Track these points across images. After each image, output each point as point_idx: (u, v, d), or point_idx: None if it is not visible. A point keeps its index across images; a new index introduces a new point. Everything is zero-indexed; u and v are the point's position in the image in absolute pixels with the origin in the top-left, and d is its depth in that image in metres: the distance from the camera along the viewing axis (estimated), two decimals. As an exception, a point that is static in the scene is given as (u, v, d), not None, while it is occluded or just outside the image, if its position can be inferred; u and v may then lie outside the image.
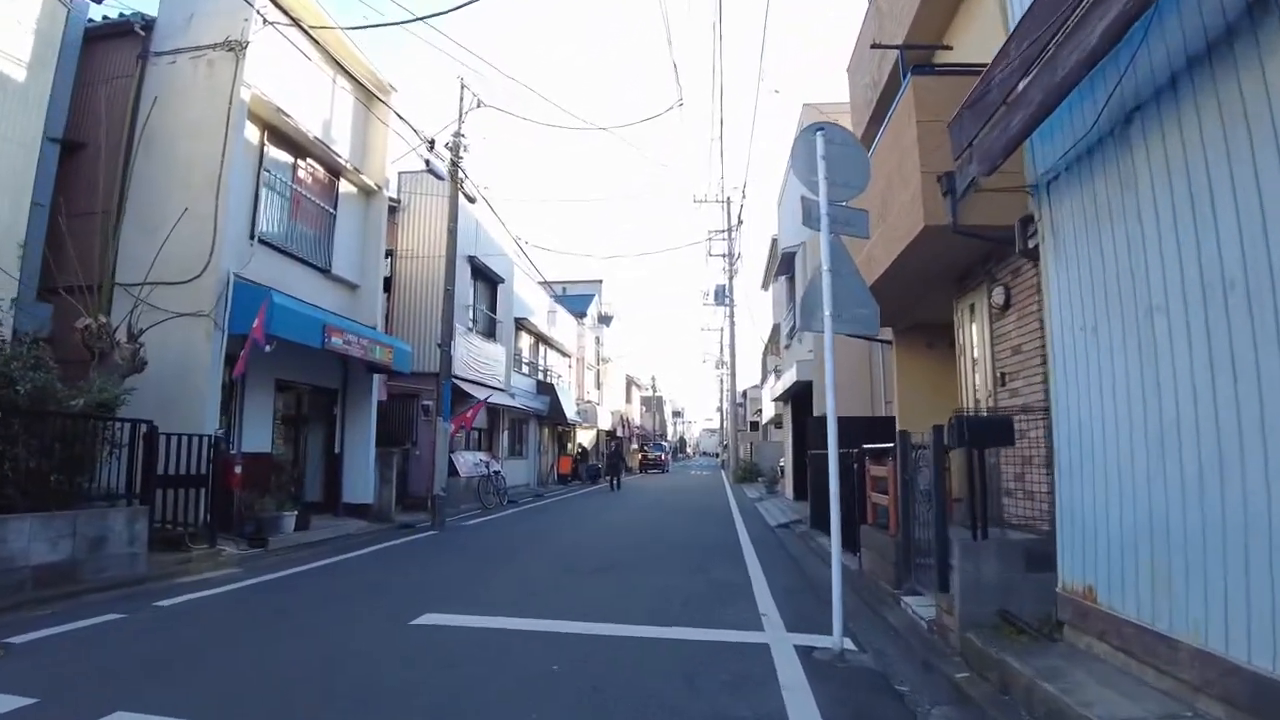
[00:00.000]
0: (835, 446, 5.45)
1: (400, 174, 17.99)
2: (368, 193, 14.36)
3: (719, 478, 39.40)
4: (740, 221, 21.00)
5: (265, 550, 9.80)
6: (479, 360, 18.79)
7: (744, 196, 16.92)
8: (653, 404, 64.30)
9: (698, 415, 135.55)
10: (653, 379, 62.44)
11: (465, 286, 18.40)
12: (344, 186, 13.64)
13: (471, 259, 18.66)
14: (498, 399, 19.64)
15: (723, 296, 35.74)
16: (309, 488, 13.47)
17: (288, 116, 11.46)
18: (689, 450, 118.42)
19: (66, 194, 10.86)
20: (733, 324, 35.54)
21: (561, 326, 30.44)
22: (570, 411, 28.04)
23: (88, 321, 8.49)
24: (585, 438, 35.79)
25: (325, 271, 13.03)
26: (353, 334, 11.75)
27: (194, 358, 9.77)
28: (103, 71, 11.25)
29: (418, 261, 17.33)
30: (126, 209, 10.62)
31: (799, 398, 18.13)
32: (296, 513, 10.78)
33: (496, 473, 19.16)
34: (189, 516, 9.21)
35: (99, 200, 10.60)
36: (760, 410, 40.04)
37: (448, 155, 14.62)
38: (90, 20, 11.29)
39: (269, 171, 11.62)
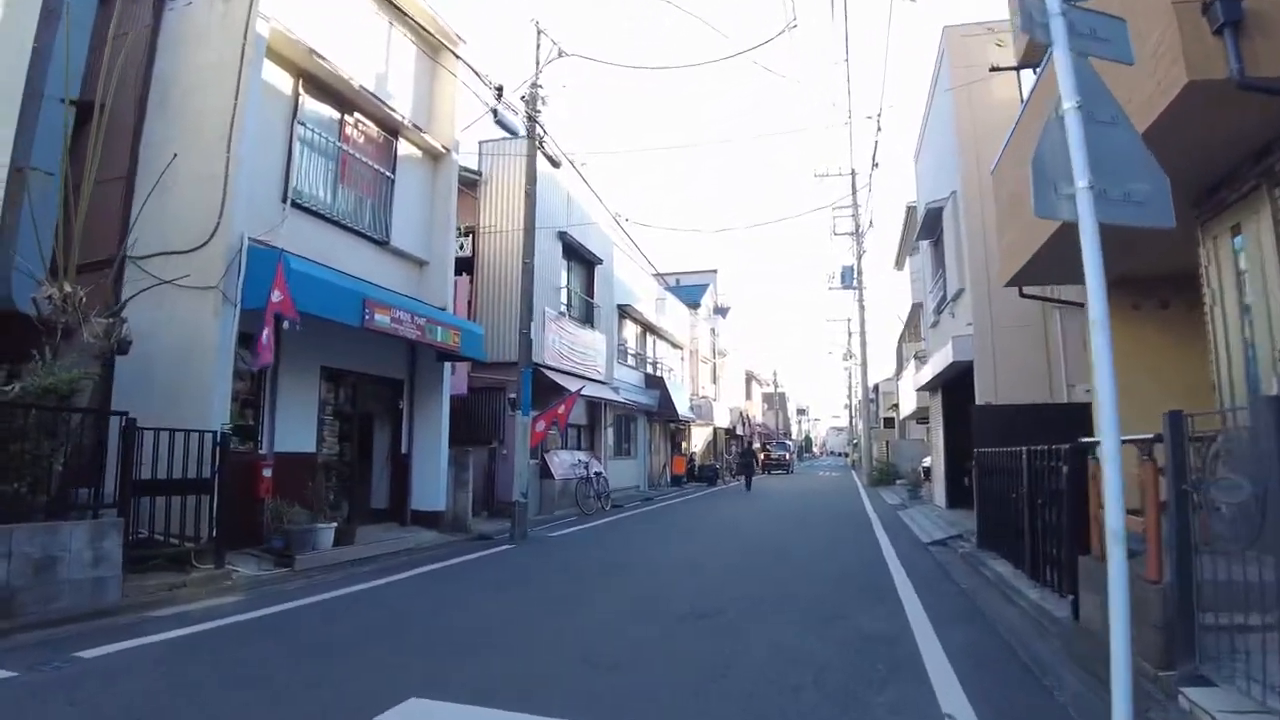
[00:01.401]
0: (1114, 426, 2.83)
1: (481, 143, 16.24)
2: (434, 156, 12.53)
3: (850, 480, 35.99)
4: (875, 165, 17.83)
5: (291, 570, 8.01)
6: (573, 348, 16.76)
7: (879, 129, 14.15)
8: (775, 401, 60.90)
9: (823, 412, 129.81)
10: (774, 374, 59.06)
11: (556, 266, 16.42)
12: (404, 148, 11.83)
13: (563, 235, 16.66)
14: (598, 392, 17.56)
15: (850, 278, 32.40)
16: (375, 493, 11.77)
17: (324, 60, 9.69)
18: (815, 450, 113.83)
19: (84, 161, 9.58)
20: (862, 308, 32.10)
21: (671, 315, 28.15)
22: (683, 407, 25.70)
23: (49, 291, 6.85)
24: (700, 436, 33.35)
25: (382, 244, 11.26)
26: (404, 311, 9.84)
27: (200, 339, 8.06)
28: (121, 26, 9.88)
29: (502, 238, 15.47)
30: (138, 173, 9.15)
31: (954, 384, 15.02)
32: (336, 524, 8.93)
33: (598, 474, 17.06)
34: (194, 530, 7.49)
35: (115, 166, 9.20)
36: (896, 405, 36.31)
37: (522, 109, 12.60)
38: (107, -34, 9.99)
39: (305, 126, 9.91)
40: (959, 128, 13.30)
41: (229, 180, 8.34)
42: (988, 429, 10.18)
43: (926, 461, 25.57)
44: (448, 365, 12.11)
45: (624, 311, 22.41)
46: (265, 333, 7.73)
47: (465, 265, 15.62)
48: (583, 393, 16.02)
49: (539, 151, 13.07)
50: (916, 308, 25.24)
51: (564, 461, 16.50)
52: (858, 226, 31.32)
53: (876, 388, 46.83)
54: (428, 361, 12.07)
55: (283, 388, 9.51)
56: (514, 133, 12.16)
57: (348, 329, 9.51)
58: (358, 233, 10.80)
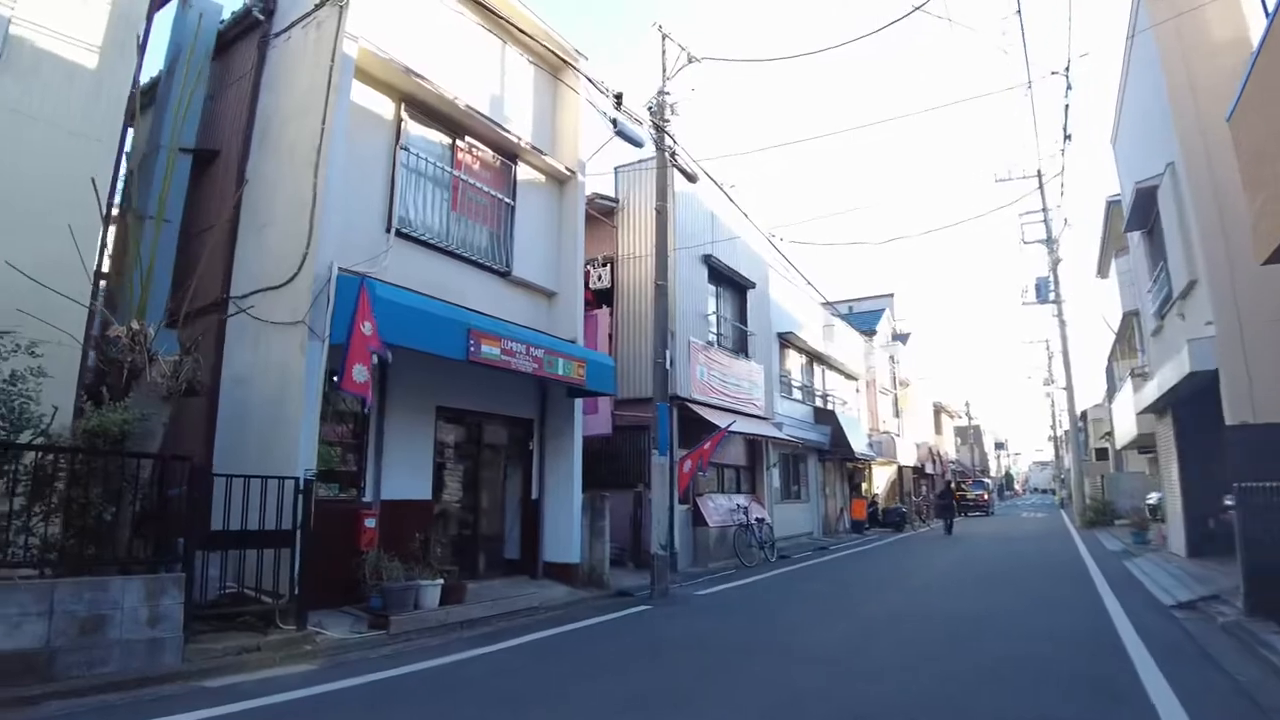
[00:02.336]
0: None
1: (617, 168, 15.38)
2: (559, 180, 11.70)
3: (1059, 521, 31.37)
4: (1068, 137, 15.03)
5: (385, 634, 7.10)
6: (725, 381, 15.28)
7: (1068, 86, 11.68)
8: (968, 434, 55.46)
9: (1024, 445, 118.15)
10: (966, 405, 53.84)
11: (701, 292, 15.12)
12: (524, 173, 11.09)
13: (708, 258, 15.36)
14: (756, 429, 15.92)
15: (1045, 291, 28.66)
16: (508, 543, 10.85)
17: (424, 81, 9.11)
18: (1016, 487, 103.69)
19: (200, 208, 9.57)
20: (1062, 324, 28.17)
21: (842, 343, 25.94)
22: (858, 444, 23.32)
23: (117, 331, 6.43)
24: (883, 476, 30.42)
25: (504, 274, 10.48)
26: (517, 341, 8.87)
27: (288, 379, 7.45)
28: (233, 74, 9.92)
29: (642, 265, 14.41)
30: (241, 213, 8.93)
31: (1190, 402, 12.07)
32: (442, 581, 7.96)
33: (759, 520, 15.34)
34: (274, 585, 6.77)
35: (226, 209, 9.07)
36: (1109, 433, 31.53)
37: (648, 120, 11.54)
38: (221, 22, 10.10)
39: (410, 151, 9.35)
40: (1170, 83, 10.74)
41: (316, 209, 7.78)
42: (1247, 456, 7.84)
43: (1153, 498, 21.55)
44: (578, 402, 11.05)
45: (785, 340, 20.65)
46: (356, 368, 6.96)
47: (605, 297, 14.72)
48: (736, 429, 14.48)
49: (672, 165, 11.95)
50: (1129, 317, 21.53)
51: (720, 507, 14.94)
52: (1049, 232, 27.76)
53: (1084, 415, 41.55)
54: (558, 398, 11.09)
55: (391, 430, 8.79)
56: (637, 143, 11.07)
57: (465, 365, 8.71)
58: (475, 263, 10.08)
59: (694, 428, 13.44)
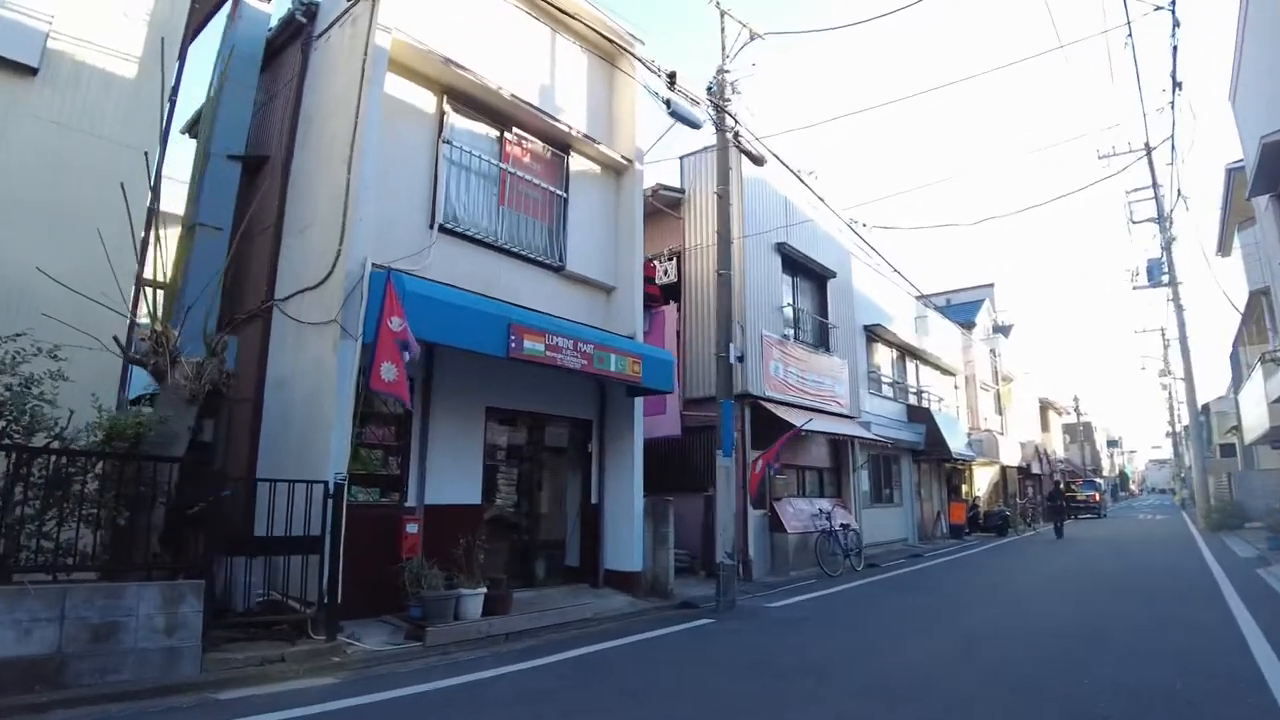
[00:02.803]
0: None
1: (682, 158, 14.78)
2: (616, 170, 11.21)
3: (1179, 523, 28.71)
4: (1178, 85, 13.26)
5: (421, 645, 6.76)
6: (803, 377, 14.42)
7: (1175, 23, 10.15)
8: (1078, 432, 51.78)
9: (1139, 442, 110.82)
10: (1074, 400, 50.28)
11: (774, 283, 14.32)
12: (577, 163, 10.65)
13: (781, 246, 14.53)
14: (839, 428, 14.97)
15: (1158, 273, 26.30)
16: (569, 550, 10.41)
17: (465, 72, 8.78)
18: (1132, 487, 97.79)
19: (252, 214, 9.52)
20: (1179, 308, 25.71)
21: (937, 337, 24.46)
22: (956, 443, 21.86)
23: (143, 334, 6.31)
24: (984, 477, 28.56)
25: (557, 269, 10.07)
26: (563, 336, 8.39)
27: (322, 380, 7.21)
28: (281, 80, 9.88)
29: (711, 258, 13.75)
30: (285, 215, 8.82)
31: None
32: (485, 590, 7.54)
33: (844, 526, 14.39)
34: (308, 594, 6.52)
35: (273, 214, 9.00)
36: (1235, 427, 28.71)
37: (704, 99, 10.90)
38: (270, 30, 10.11)
39: (454, 144, 9.03)
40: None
41: (349, 204, 7.52)
42: None
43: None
44: (639, 402, 10.49)
45: (873, 333, 19.52)
46: (385, 366, 6.64)
47: (673, 292, 14.15)
48: (815, 428, 13.61)
49: (735, 148, 11.28)
50: (1257, 296, 19.46)
51: (800, 512, 14.09)
52: (1160, 209, 25.46)
53: (1206, 408, 38.24)
54: (618, 398, 10.58)
55: (436, 433, 8.47)
56: (694, 124, 10.42)
57: (517, 365, 8.36)
58: (525, 258, 9.69)
59: (769, 427, 12.68)
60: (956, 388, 26.47)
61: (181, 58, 8.08)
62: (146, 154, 6.87)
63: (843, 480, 16.42)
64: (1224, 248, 25.23)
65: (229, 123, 9.53)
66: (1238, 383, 27.36)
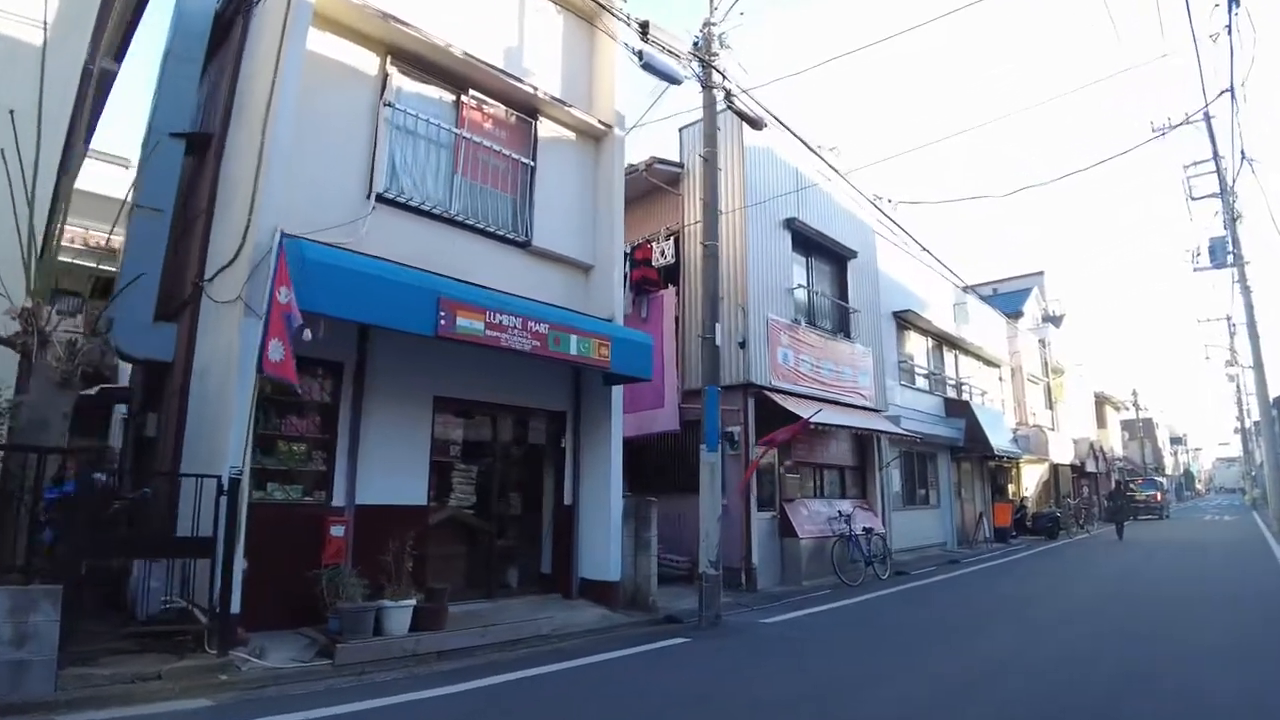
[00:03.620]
0: None
1: (681, 130, 13.70)
2: (593, 136, 10.24)
3: (1250, 525, 26.50)
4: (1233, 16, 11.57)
5: (331, 664, 5.87)
6: (818, 365, 13.21)
7: None
8: (1137, 428, 48.85)
9: (1206, 440, 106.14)
10: (1133, 394, 47.39)
11: (783, 261, 13.12)
12: (547, 129, 9.69)
13: (791, 223, 13.33)
14: (857, 421, 13.70)
15: (1222, 254, 24.25)
16: (542, 557, 9.43)
17: (411, 29, 7.91)
18: (1198, 486, 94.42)
19: (196, 194, 8.85)
20: (1246, 290, 23.64)
21: (978, 325, 22.90)
22: (999, 439, 20.29)
23: (13, 310, 5.53)
24: (1033, 476, 26.78)
25: (522, 245, 9.12)
26: (509, 313, 7.40)
27: (230, 364, 6.36)
28: (228, 53, 9.15)
29: (732, 253, 12.64)
30: (218, 191, 8.07)
31: None
32: (413, 602, 6.61)
33: (867, 530, 13.14)
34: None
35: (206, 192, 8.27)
36: (1316, 420, 26.41)
37: (691, 56, 9.83)
38: (218, 1, 9.42)
39: (399, 108, 8.16)
40: None
41: (261, 171, 6.70)
42: None
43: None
44: (617, 391, 9.48)
45: (904, 320, 18.15)
46: (273, 344, 5.74)
47: (671, 275, 13.09)
48: (835, 423, 12.40)
49: (730, 109, 10.21)
50: None
51: (815, 515, 12.87)
52: (1222, 182, 23.43)
53: (1278, 401, 35.60)
54: (594, 387, 9.58)
55: (371, 425, 7.59)
56: (672, 79, 9.36)
57: (473, 350, 7.53)
58: (484, 232, 8.77)
59: (775, 420, 11.51)
60: (1001, 380, 24.82)
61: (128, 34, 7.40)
62: (12, 112, 6.07)
63: (867, 480, 15.12)
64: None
65: (173, 100, 8.89)
66: (1317, 371, 25.20)
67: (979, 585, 12.27)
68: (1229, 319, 33.31)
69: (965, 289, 21.84)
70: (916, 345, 19.19)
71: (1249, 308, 24.59)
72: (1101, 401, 39.54)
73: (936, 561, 15.93)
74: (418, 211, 8.18)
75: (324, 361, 7.48)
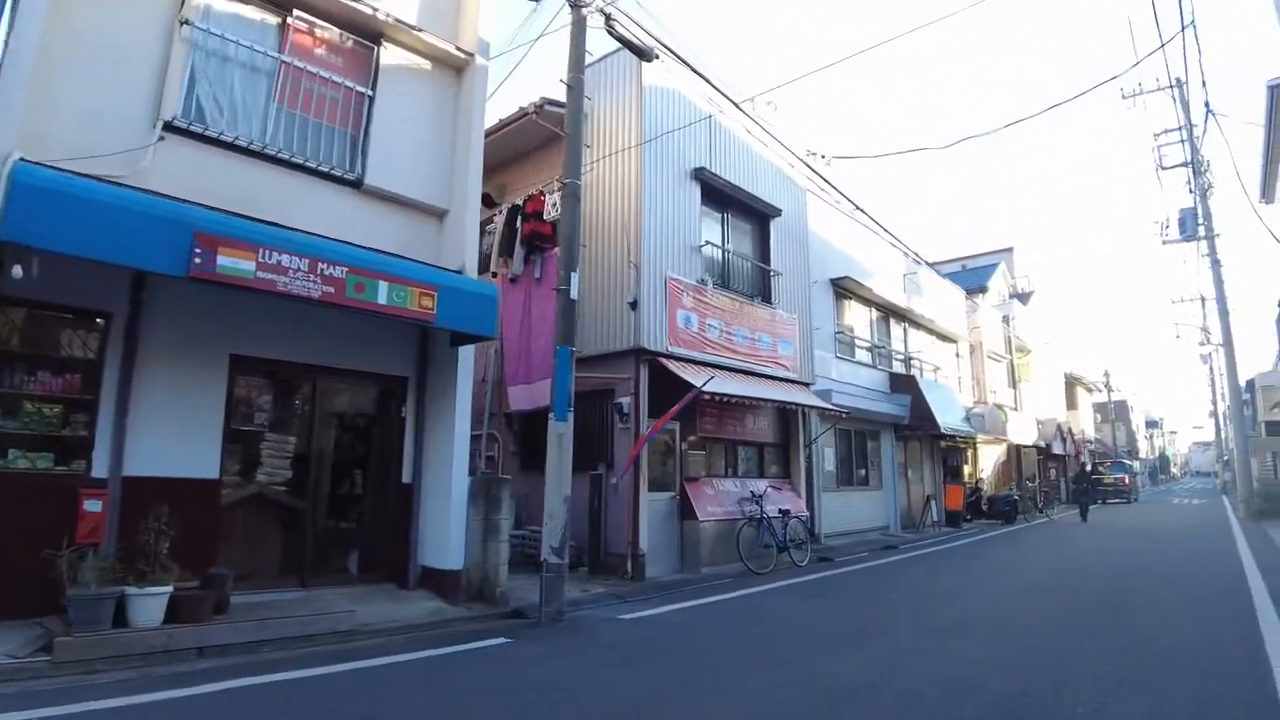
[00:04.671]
0: None
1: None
2: (454, 67, 9.21)
3: (1218, 510, 26.03)
4: None
5: (50, 660, 4.95)
6: (729, 332, 12.27)
7: None
8: (1109, 411, 48.47)
9: (1182, 423, 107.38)
10: (1105, 376, 46.92)
11: (689, 216, 12.12)
12: (393, 56, 8.66)
13: (700, 173, 12.31)
14: (781, 394, 12.79)
15: (1190, 226, 23.68)
16: (379, 542, 8.46)
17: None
18: (1173, 470, 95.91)
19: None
20: (1216, 263, 23.13)
21: (933, 298, 22.13)
22: (949, 418, 19.53)
23: None
24: (991, 457, 26.13)
25: (354, 185, 8.11)
26: (293, 253, 6.36)
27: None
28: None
29: (609, 192, 11.65)
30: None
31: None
32: (169, 590, 5.65)
33: (784, 513, 12.28)
34: None
35: None
36: (1287, 400, 26.10)
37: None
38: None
39: (197, 26, 7.12)
40: None
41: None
42: None
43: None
44: (464, 354, 8.49)
45: (842, 288, 17.28)
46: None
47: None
48: (739, 393, 11.48)
49: (610, 33, 9.17)
50: None
51: (723, 494, 11.99)
52: (1194, 151, 22.83)
53: (1251, 384, 35.67)
54: (442, 349, 8.59)
55: (145, 384, 6.62)
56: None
57: (287, 302, 6.59)
58: (307, 169, 7.77)
59: (675, 390, 10.57)
60: (958, 357, 24.09)
61: None
62: None
63: (791, 458, 14.24)
64: (1268, 193, 22.63)
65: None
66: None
67: (901, 576, 11.43)
68: (1202, 299, 32.90)
69: (917, 260, 21.05)
70: (858, 316, 18.32)
71: (1218, 282, 24.08)
72: (1072, 382, 39.05)
73: (872, 547, 15.14)
74: (222, 144, 7.22)
75: (84, 311, 6.50)
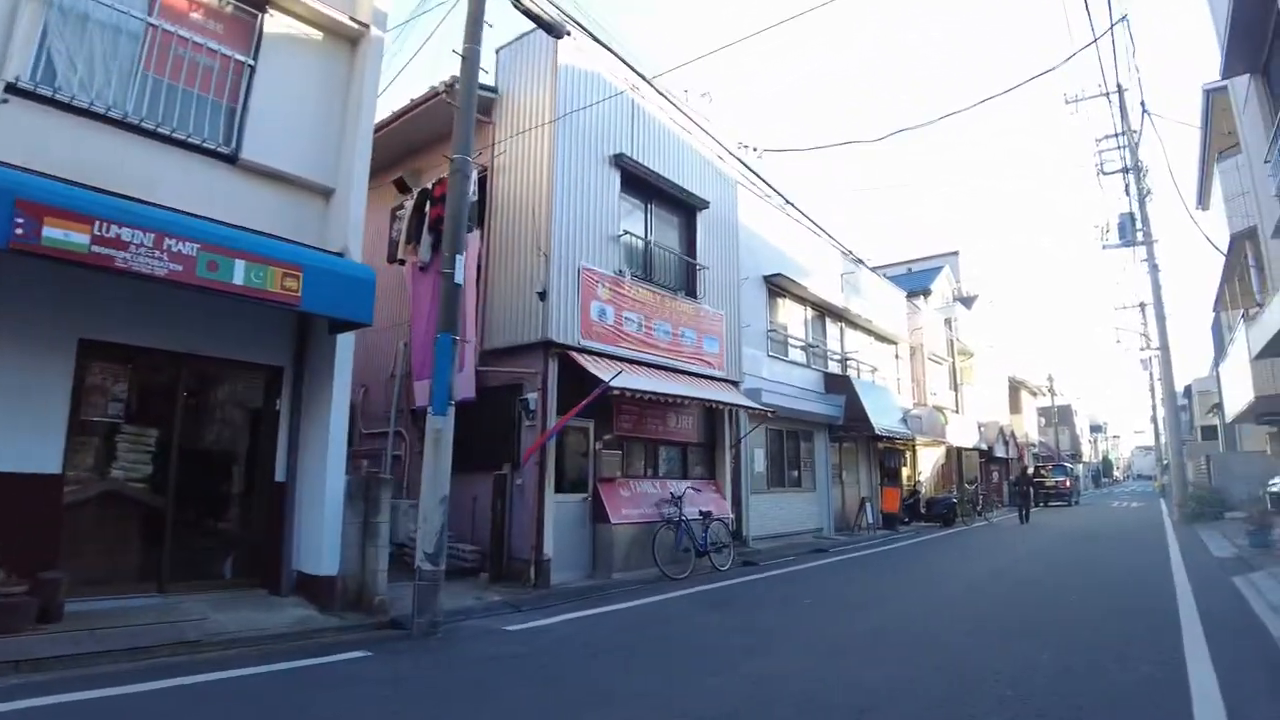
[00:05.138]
0: None
1: (499, 50, 12.26)
2: (348, 38, 8.77)
3: (1154, 512, 26.58)
4: None
5: None
6: (647, 326, 11.98)
7: None
8: (1052, 415, 49.53)
9: (1124, 428, 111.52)
10: (1049, 380, 47.91)
11: (607, 202, 11.77)
12: (278, 24, 8.19)
13: (620, 159, 11.99)
14: (704, 392, 12.54)
15: (1129, 232, 24.17)
16: (254, 544, 7.98)
17: None
18: (1116, 473, 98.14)
19: None
20: (1154, 267, 23.64)
21: (872, 299, 22.19)
22: (884, 419, 19.53)
23: None
24: (930, 459, 26.35)
25: (229, 159, 7.63)
26: (136, 226, 5.89)
27: None
28: None
29: (526, 176, 11.28)
30: None
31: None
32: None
33: (705, 515, 12.05)
34: None
35: None
36: (1218, 404, 26.77)
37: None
38: None
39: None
40: None
41: None
42: None
43: (1278, 484, 17.17)
44: (343, 341, 8.04)
45: (776, 286, 17.15)
46: None
47: (477, 215, 11.76)
48: (661, 392, 11.18)
49: (517, 7, 8.83)
50: (1240, 244, 17.35)
51: (640, 496, 11.70)
52: (1134, 157, 23.33)
53: (1189, 390, 36.77)
54: (321, 336, 8.15)
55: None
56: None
57: (151, 286, 6.14)
58: (176, 141, 7.27)
59: (585, 386, 10.25)
60: (898, 358, 24.21)
61: None
62: None
63: (717, 458, 14.03)
64: (1203, 201, 23.20)
65: None
66: (1219, 356, 25.44)
67: (821, 582, 11.16)
68: (1141, 305, 33.70)
69: (856, 260, 21.06)
70: (792, 314, 18.21)
71: (1156, 287, 24.60)
72: (1016, 386, 39.70)
73: (801, 550, 14.99)
74: (76, 110, 6.71)
75: None
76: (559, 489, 10.44)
